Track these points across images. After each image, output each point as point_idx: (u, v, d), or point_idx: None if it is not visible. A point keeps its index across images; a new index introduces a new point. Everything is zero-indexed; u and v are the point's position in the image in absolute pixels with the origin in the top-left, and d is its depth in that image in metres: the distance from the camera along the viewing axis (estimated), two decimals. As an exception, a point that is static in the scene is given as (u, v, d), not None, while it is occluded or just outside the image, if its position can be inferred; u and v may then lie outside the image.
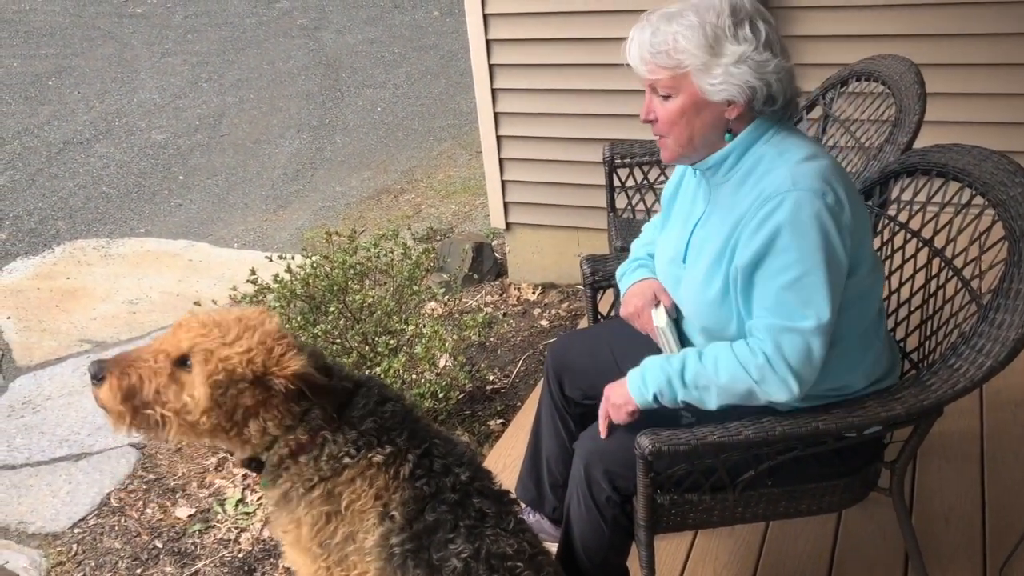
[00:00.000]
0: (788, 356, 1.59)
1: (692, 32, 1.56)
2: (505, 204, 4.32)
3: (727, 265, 1.65)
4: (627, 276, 2.02)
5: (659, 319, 1.84)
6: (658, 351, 1.87)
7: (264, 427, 1.62)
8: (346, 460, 1.61)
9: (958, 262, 1.82)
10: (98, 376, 1.61)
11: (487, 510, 1.64)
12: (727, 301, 1.68)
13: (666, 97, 1.62)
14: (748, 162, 1.64)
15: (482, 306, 4.35)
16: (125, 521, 3.15)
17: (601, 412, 1.80)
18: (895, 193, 2.03)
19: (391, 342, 3.16)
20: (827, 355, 1.61)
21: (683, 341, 1.87)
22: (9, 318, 4.66)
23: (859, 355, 1.72)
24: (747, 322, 1.65)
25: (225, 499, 3.18)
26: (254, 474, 1.85)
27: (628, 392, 1.72)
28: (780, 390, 1.61)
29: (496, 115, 4.11)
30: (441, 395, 3.23)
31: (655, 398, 1.69)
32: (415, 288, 3.48)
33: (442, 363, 3.46)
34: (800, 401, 1.73)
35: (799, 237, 1.53)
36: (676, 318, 1.87)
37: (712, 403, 1.67)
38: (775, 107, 1.62)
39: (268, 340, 1.61)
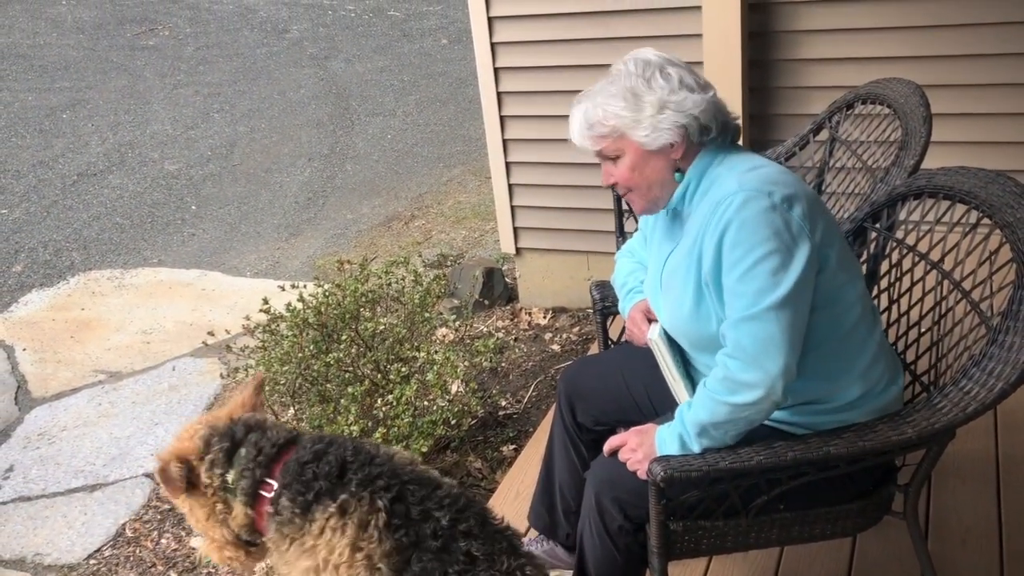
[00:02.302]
0: (746, 344, 1.61)
1: (613, 99, 1.73)
2: (515, 229, 4.34)
3: (696, 275, 1.71)
4: (624, 305, 2.11)
5: (652, 333, 1.91)
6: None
7: None
8: (297, 520, 1.64)
9: (967, 284, 1.83)
10: None
11: (476, 552, 1.58)
12: (702, 308, 1.73)
13: (616, 159, 1.77)
14: (705, 185, 1.75)
15: (493, 331, 4.36)
16: (140, 552, 3.16)
17: (617, 442, 1.81)
18: (903, 215, 2.04)
19: (403, 369, 3.17)
20: (795, 336, 1.61)
21: (683, 357, 1.91)
22: (25, 349, 4.70)
23: (846, 359, 1.73)
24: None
25: (239, 528, 3.18)
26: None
27: (656, 452, 1.73)
28: (752, 389, 1.62)
29: (505, 142, 4.14)
30: (453, 422, 3.24)
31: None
32: (426, 315, 3.49)
33: (454, 389, 3.46)
34: (796, 412, 1.74)
35: (746, 232, 1.60)
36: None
37: (724, 440, 1.70)
38: (712, 135, 1.74)
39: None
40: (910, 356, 2.02)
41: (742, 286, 1.61)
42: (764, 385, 1.61)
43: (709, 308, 1.71)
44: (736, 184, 1.65)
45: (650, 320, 1.99)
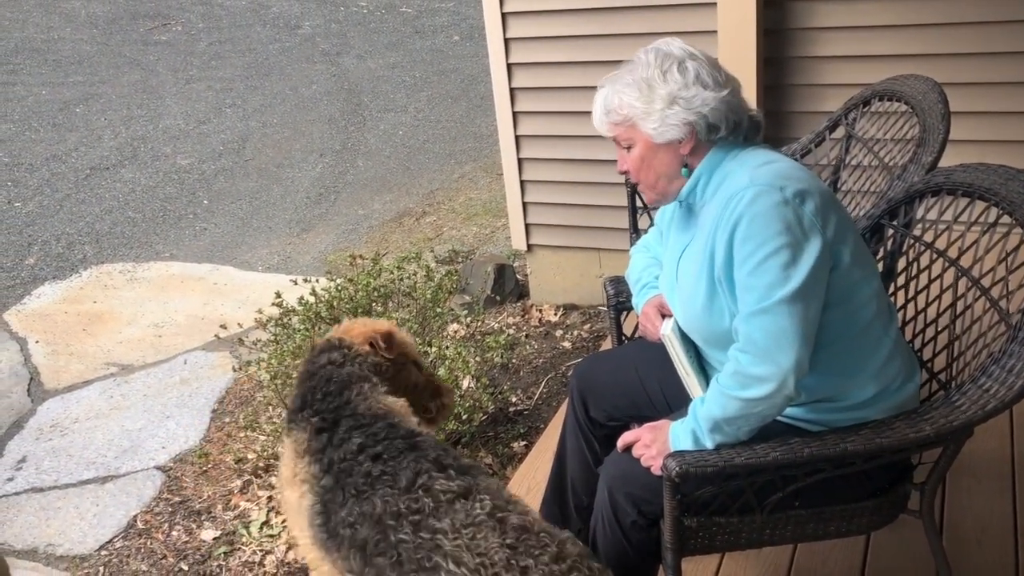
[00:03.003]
0: (757, 338, 1.61)
1: (629, 88, 1.74)
2: (526, 226, 4.33)
3: (708, 270, 1.71)
4: (638, 300, 2.11)
5: (666, 328, 1.91)
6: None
7: None
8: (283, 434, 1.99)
9: (986, 282, 1.81)
10: None
11: (375, 472, 1.70)
12: (715, 304, 1.72)
13: (628, 148, 1.79)
14: (717, 179, 1.74)
15: (504, 328, 4.36)
16: (151, 544, 3.17)
17: (631, 437, 1.80)
18: (920, 213, 2.03)
19: (414, 364, 3.17)
20: (807, 330, 1.60)
21: (697, 352, 1.90)
22: (38, 342, 4.72)
23: (861, 356, 1.72)
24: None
25: (250, 521, 3.19)
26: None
27: (670, 447, 1.73)
28: (764, 383, 1.60)
29: (517, 138, 4.13)
30: (464, 417, 3.24)
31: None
32: (438, 310, 3.49)
33: (465, 385, 3.46)
34: (812, 409, 1.73)
35: (758, 226, 1.59)
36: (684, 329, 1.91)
37: (737, 435, 1.69)
38: (721, 135, 1.74)
39: None
40: (927, 354, 2.01)
41: (753, 280, 1.61)
42: (776, 379, 1.60)
43: (722, 303, 1.71)
44: (748, 179, 1.64)
45: (663, 315, 1.99)
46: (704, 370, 1.90)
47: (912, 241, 2.05)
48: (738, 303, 1.65)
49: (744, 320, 1.63)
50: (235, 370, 3.88)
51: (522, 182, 4.23)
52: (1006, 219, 1.75)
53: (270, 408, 3.75)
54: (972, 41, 3.27)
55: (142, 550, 3.14)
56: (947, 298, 1.92)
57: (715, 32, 3.46)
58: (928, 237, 2.00)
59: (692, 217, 1.84)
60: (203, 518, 3.27)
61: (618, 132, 1.78)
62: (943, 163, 2.16)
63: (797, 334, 1.59)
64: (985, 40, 3.25)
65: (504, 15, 3.91)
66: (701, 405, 1.70)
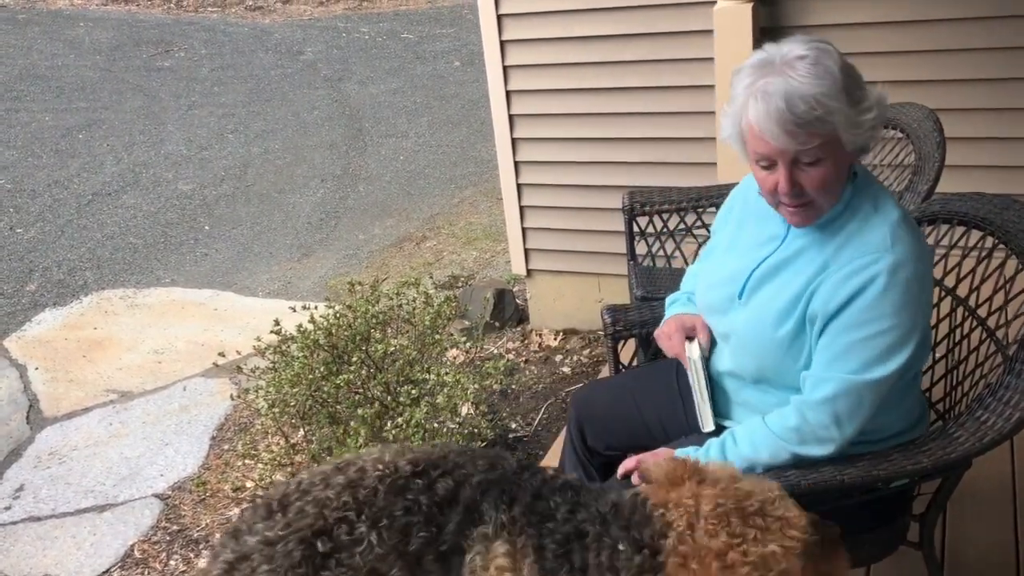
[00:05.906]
0: (839, 406, 1.57)
1: (828, 84, 1.46)
2: (526, 251, 4.34)
3: (803, 308, 1.62)
4: (676, 305, 2.01)
5: (692, 352, 1.86)
6: (680, 397, 1.91)
7: None
8: None
9: (982, 311, 1.81)
10: None
11: None
12: (797, 344, 1.64)
13: (814, 162, 1.51)
14: (849, 211, 1.61)
15: (503, 353, 4.35)
16: (149, 573, 3.15)
17: (632, 465, 1.78)
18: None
19: (413, 391, 3.17)
20: (879, 402, 1.59)
21: (710, 380, 1.86)
22: (37, 368, 4.72)
23: (897, 400, 1.70)
24: (805, 370, 1.64)
25: (248, 551, 3.16)
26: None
27: None
28: (822, 445, 1.60)
29: (516, 163, 4.15)
30: (463, 444, 3.22)
31: None
32: (437, 336, 3.49)
33: (464, 412, 3.45)
34: None
35: (888, 297, 1.52)
36: (707, 356, 1.87)
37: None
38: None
39: None
40: (924, 384, 1.99)
41: (858, 349, 1.55)
42: (837, 443, 1.60)
43: (803, 344, 1.63)
44: (889, 237, 1.53)
45: (688, 337, 1.93)
46: (714, 399, 1.87)
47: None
48: (826, 355, 1.58)
49: (831, 382, 1.57)
50: (233, 398, 3.88)
51: (521, 207, 4.24)
52: (1002, 247, 1.75)
53: (268, 436, 3.73)
54: (968, 67, 3.29)
55: (139, 580, 3.12)
56: (944, 327, 1.92)
57: (711, 59, 3.48)
58: (925, 265, 2.00)
59: (791, 231, 1.68)
60: (201, 547, 3.25)
61: (812, 144, 1.48)
62: (940, 188, 2.17)
63: (871, 409, 1.59)
64: (980, 67, 3.27)
65: (503, 43, 3.93)
66: (734, 445, 1.66)
